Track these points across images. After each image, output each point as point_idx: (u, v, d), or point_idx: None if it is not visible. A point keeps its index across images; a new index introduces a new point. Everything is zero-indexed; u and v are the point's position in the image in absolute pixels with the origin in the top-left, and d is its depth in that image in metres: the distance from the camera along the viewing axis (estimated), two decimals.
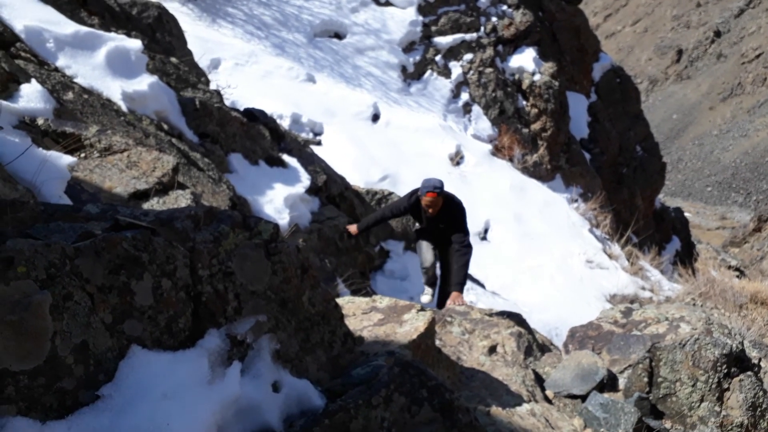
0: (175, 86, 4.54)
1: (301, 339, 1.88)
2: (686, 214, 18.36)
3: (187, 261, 1.61)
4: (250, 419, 1.56)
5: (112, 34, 4.32)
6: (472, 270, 7.39)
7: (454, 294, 4.09)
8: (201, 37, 7.97)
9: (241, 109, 5.58)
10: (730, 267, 14.41)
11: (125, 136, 3.22)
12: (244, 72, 7.86)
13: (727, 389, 2.85)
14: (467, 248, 4.24)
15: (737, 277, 12.05)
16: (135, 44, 4.27)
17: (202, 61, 6.64)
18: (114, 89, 3.92)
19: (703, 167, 42.79)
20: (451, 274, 4.36)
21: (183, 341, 1.55)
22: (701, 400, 2.83)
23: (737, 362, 2.92)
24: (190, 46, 6.23)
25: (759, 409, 2.83)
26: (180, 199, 2.79)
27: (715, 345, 2.86)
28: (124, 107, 3.83)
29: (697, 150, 44.59)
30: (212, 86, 5.58)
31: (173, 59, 4.89)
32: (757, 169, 40.05)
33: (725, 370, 2.86)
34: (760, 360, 3.46)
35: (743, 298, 7.57)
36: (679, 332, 3.54)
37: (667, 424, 2.84)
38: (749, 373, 2.90)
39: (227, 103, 5.37)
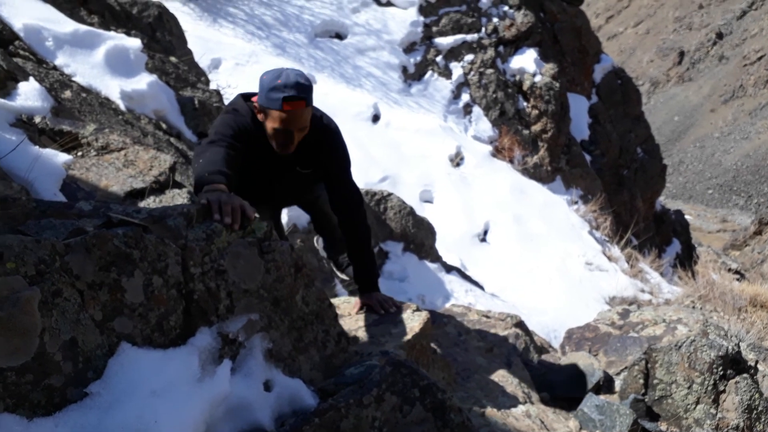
0: (174, 85, 4.54)
1: (294, 338, 1.88)
2: (687, 217, 18.34)
3: (179, 258, 1.61)
4: (240, 418, 1.55)
5: (112, 33, 4.32)
6: (472, 271, 7.41)
7: (375, 297, 2.61)
8: (201, 36, 7.98)
9: None
10: (730, 270, 14.39)
11: (123, 135, 3.22)
12: (245, 72, 7.87)
13: (723, 391, 2.84)
14: (364, 218, 2.57)
15: (737, 280, 12.04)
16: (134, 43, 4.28)
17: (202, 60, 6.65)
18: (113, 88, 3.92)
19: (704, 170, 42.75)
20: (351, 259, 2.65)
21: (174, 339, 1.55)
22: (697, 402, 2.83)
23: (733, 364, 2.91)
24: (191, 45, 6.24)
25: (755, 412, 2.83)
26: (176, 198, 2.79)
27: (711, 347, 2.85)
28: (122, 106, 3.83)
29: (699, 152, 44.55)
30: (212, 86, 5.59)
31: (173, 58, 4.90)
32: (758, 171, 40.01)
33: (721, 372, 2.85)
34: (756, 362, 3.46)
35: (743, 301, 7.56)
36: (676, 334, 3.53)
37: (663, 426, 2.84)
38: (745, 375, 2.90)
39: (227, 102, 5.38)
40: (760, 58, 47.78)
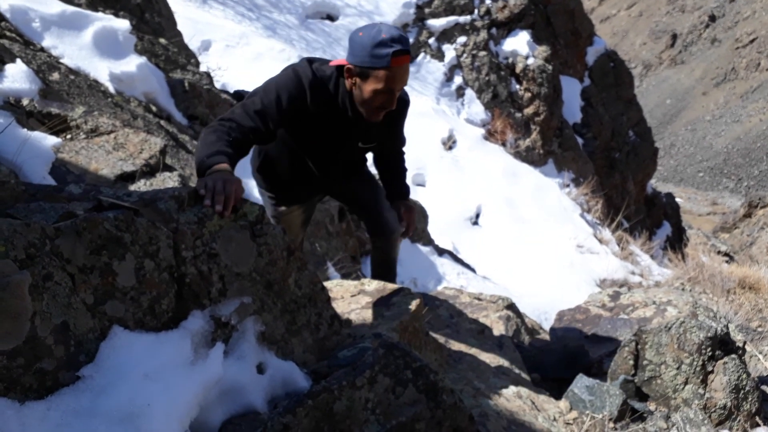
0: (164, 67, 4.49)
1: (287, 321, 1.88)
2: (678, 200, 18.45)
3: (171, 242, 1.60)
4: (234, 400, 1.56)
5: (100, 14, 4.26)
6: (464, 254, 7.43)
7: (405, 209, 2.65)
8: (191, 18, 7.88)
9: (232, 91, 5.54)
10: (719, 252, 14.51)
11: (112, 118, 3.19)
12: (235, 54, 7.78)
13: (711, 372, 2.88)
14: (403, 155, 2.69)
15: (726, 262, 12.15)
16: (123, 24, 4.22)
17: (192, 42, 6.58)
18: (101, 70, 3.88)
19: (695, 153, 42.92)
20: (384, 187, 2.69)
21: (166, 322, 1.55)
22: (685, 383, 2.86)
23: (721, 345, 2.94)
24: (180, 27, 6.16)
25: (742, 392, 2.86)
26: (167, 182, 2.78)
27: (700, 328, 2.88)
28: (111, 88, 3.79)
29: (690, 135, 44.69)
30: (202, 68, 5.53)
31: (162, 40, 4.84)
32: (748, 155, 40.22)
33: (710, 353, 2.89)
34: (744, 343, 3.50)
35: (731, 283, 7.63)
36: (666, 316, 3.57)
37: (652, 407, 2.87)
38: (733, 356, 2.93)
39: (217, 85, 5.33)
40: (752, 41, 47.79)
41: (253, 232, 1.79)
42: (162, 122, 3.76)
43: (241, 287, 1.73)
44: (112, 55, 4.04)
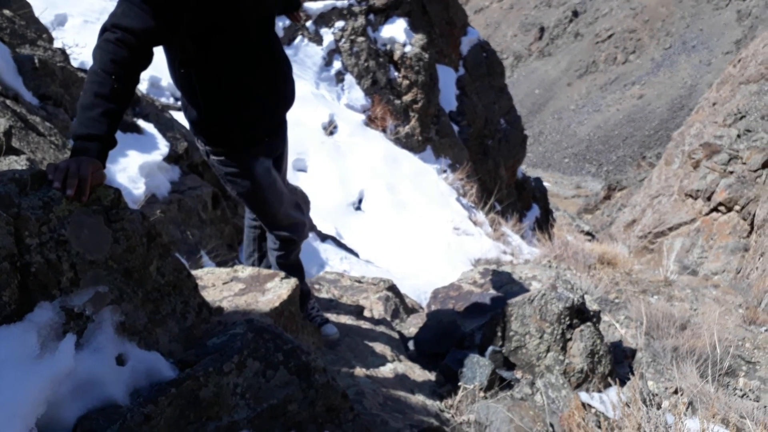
0: (9, 42, 4.07)
1: (150, 310, 1.79)
2: (545, 184, 19.71)
3: (12, 229, 1.47)
4: (90, 394, 1.47)
5: None
6: (347, 239, 7.48)
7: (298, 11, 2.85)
8: None
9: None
10: (582, 231, 15.72)
11: None
12: (94, 30, 7.22)
13: (570, 339, 3.11)
14: None
15: (588, 240, 13.18)
16: None
17: (43, 16, 6.00)
18: None
19: (561, 140, 46.05)
20: None
21: (8, 316, 1.42)
22: (547, 351, 3.07)
23: (578, 314, 3.19)
24: None
25: (597, 356, 3.13)
26: (14, 166, 2.53)
27: (559, 299, 3.10)
28: None
29: (557, 124, 47.87)
30: (56, 44, 5.08)
31: (7, 12, 4.37)
32: (607, 141, 43.81)
33: (568, 322, 3.12)
34: (599, 312, 3.82)
35: (592, 259, 8.30)
36: (530, 289, 3.81)
37: (518, 374, 3.06)
38: (588, 323, 3.19)
39: (74, 63, 4.91)
40: (610, 37, 51.94)
41: (107, 217, 1.67)
42: (8, 102, 3.41)
43: (96, 276, 1.62)
44: None
